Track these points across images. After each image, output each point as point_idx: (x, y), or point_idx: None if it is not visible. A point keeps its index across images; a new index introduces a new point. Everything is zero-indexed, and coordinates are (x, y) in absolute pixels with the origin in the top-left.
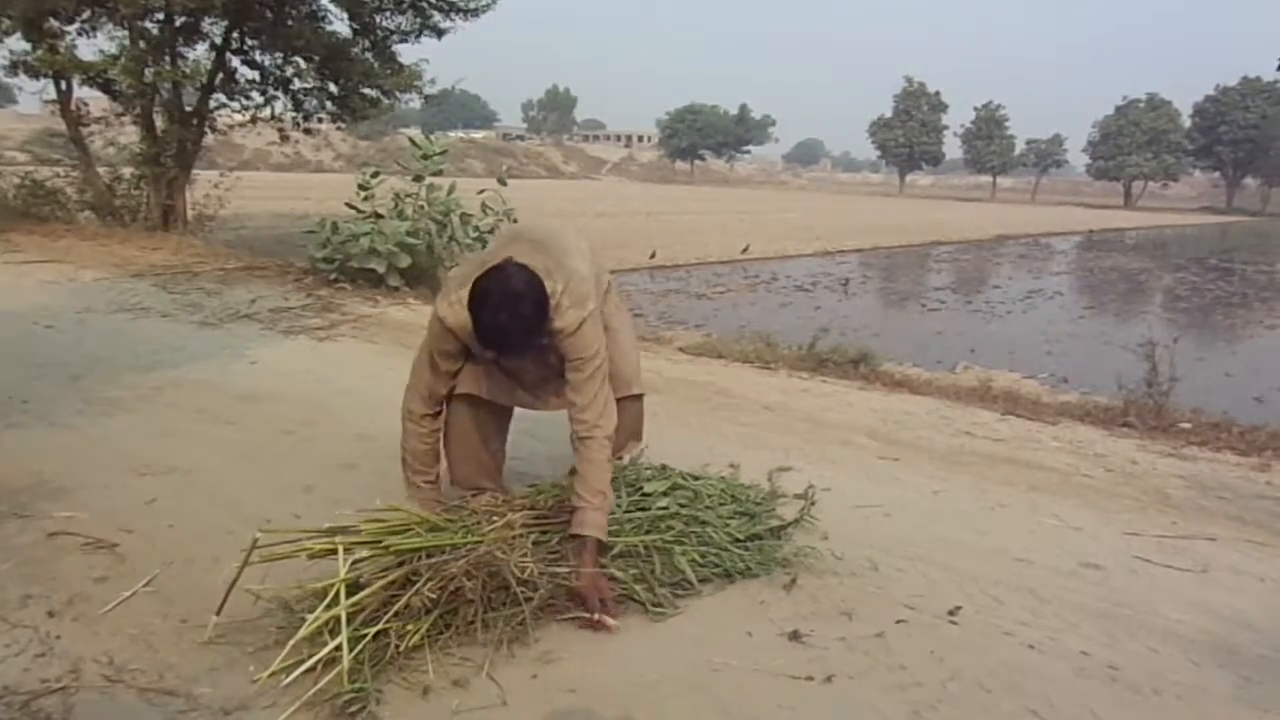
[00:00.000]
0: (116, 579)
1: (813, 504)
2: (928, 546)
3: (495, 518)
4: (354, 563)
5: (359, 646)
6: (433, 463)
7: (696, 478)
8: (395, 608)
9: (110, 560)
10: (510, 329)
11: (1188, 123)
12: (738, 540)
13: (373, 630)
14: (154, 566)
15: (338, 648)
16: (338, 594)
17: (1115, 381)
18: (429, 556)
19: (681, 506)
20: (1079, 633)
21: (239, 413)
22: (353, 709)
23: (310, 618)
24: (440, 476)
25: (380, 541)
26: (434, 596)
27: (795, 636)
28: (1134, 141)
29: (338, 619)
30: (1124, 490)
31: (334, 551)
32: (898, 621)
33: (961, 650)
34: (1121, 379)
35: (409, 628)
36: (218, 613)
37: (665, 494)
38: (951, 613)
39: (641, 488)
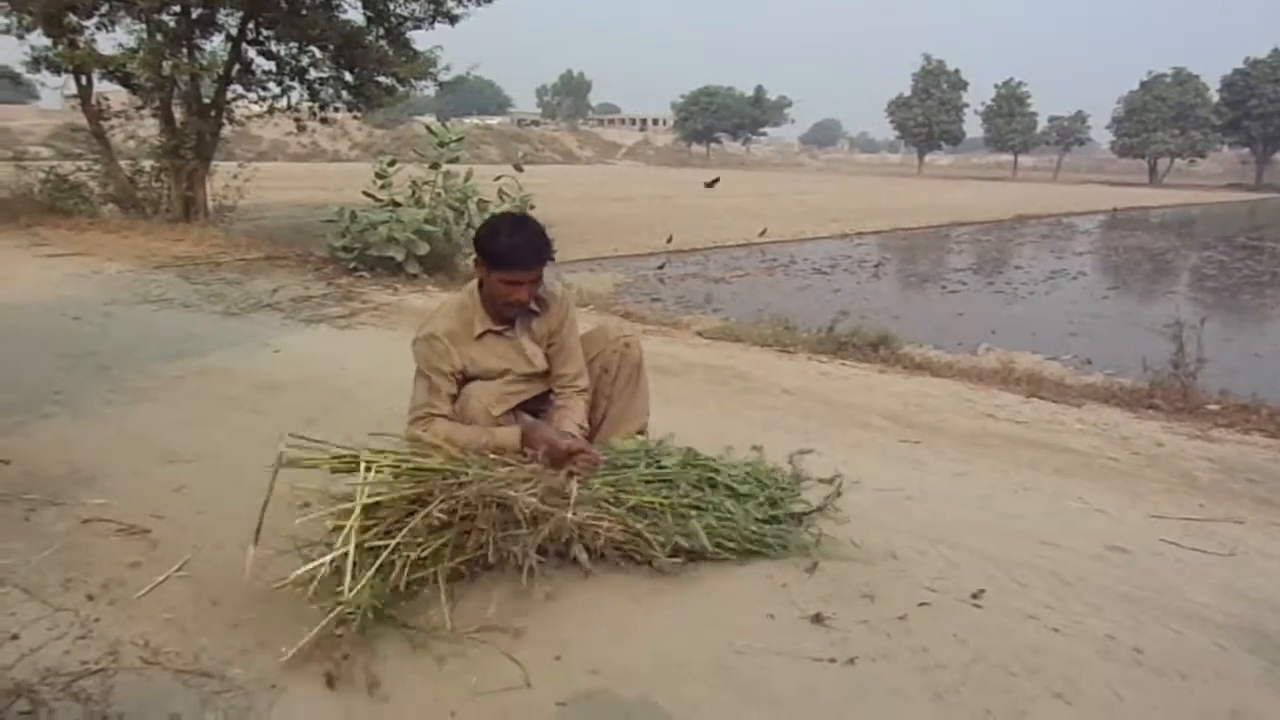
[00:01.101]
0: (149, 564)
1: (839, 494)
2: (950, 529)
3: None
4: (374, 484)
5: (376, 565)
6: (463, 428)
7: (717, 461)
8: (411, 524)
9: (143, 546)
10: (528, 239)
11: (1215, 97)
12: (760, 522)
13: (390, 544)
14: (185, 552)
15: (345, 558)
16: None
17: (1141, 363)
18: (444, 479)
19: (705, 488)
20: (1103, 616)
21: (263, 401)
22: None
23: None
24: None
25: (400, 463)
26: (444, 518)
27: (817, 619)
28: (1160, 117)
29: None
30: (1150, 473)
31: (356, 468)
32: (920, 604)
33: (984, 633)
34: (1147, 360)
35: (421, 541)
36: (254, 543)
37: (691, 480)
38: (974, 596)
39: (666, 471)
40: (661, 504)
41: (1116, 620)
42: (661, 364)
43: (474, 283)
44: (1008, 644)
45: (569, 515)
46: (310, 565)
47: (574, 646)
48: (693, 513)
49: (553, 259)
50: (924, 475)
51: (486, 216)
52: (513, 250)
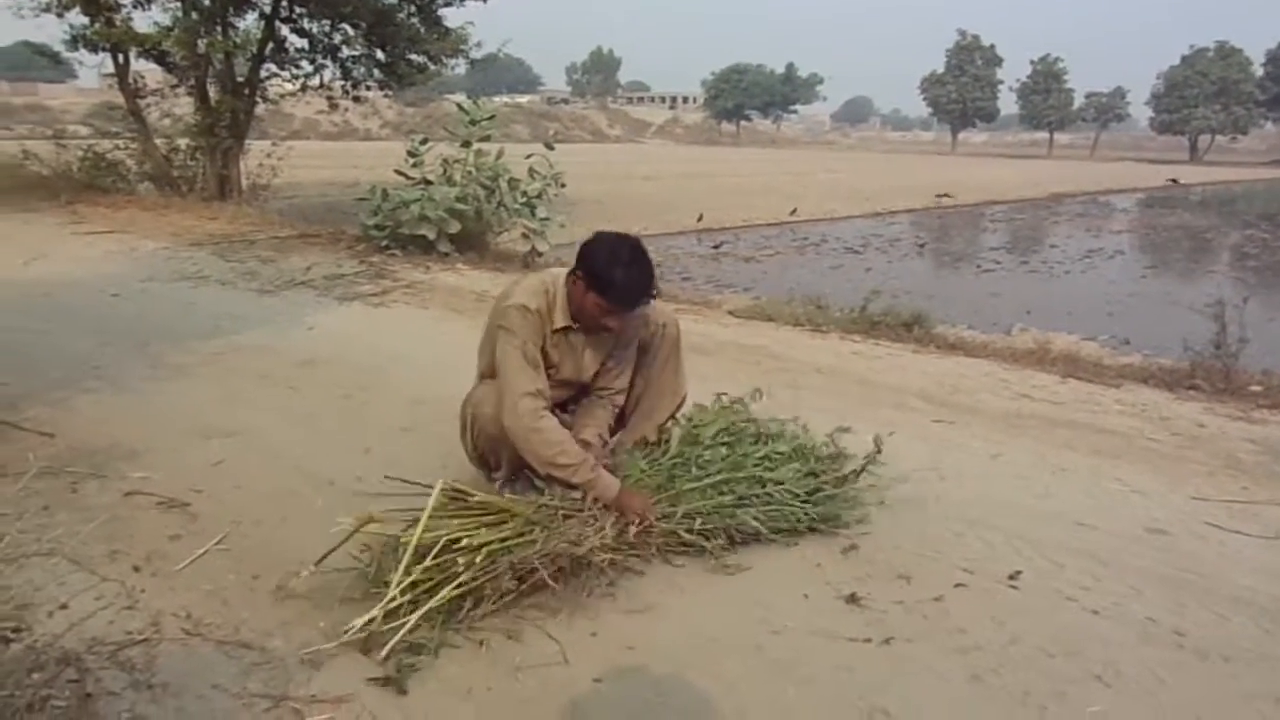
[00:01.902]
0: (190, 537)
1: (879, 451)
2: (986, 510)
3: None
4: (442, 546)
5: (423, 606)
6: (573, 442)
7: (764, 447)
8: (472, 585)
9: (183, 519)
10: (639, 281)
11: (1260, 71)
12: (798, 496)
13: (445, 594)
14: (224, 525)
15: (410, 607)
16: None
17: (1180, 343)
18: (508, 552)
19: (751, 463)
20: (1144, 598)
21: (298, 377)
22: (408, 663)
23: (394, 576)
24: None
25: (472, 540)
26: (514, 586)
27: (853, 599)
28: (1201, 93)
29: (414, 584)
30: (1191, 454)
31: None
32: (956, 585)
33: (1022, 615)
34: (1187, 340)
35: (486, 593)
36: (317, 564)
37: (740, 480)
38: (1011, 577)
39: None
40: (712, 510)
41: (1157, 603)
42: (693, 343)
43: (561, 272)
44: (1046, 626)
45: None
46: (365, 618)
47: (610, 625)
48: (738, 511)
49: (656, 297)
50: (959, 456)
51: (522, 192)
52: (626, 288)
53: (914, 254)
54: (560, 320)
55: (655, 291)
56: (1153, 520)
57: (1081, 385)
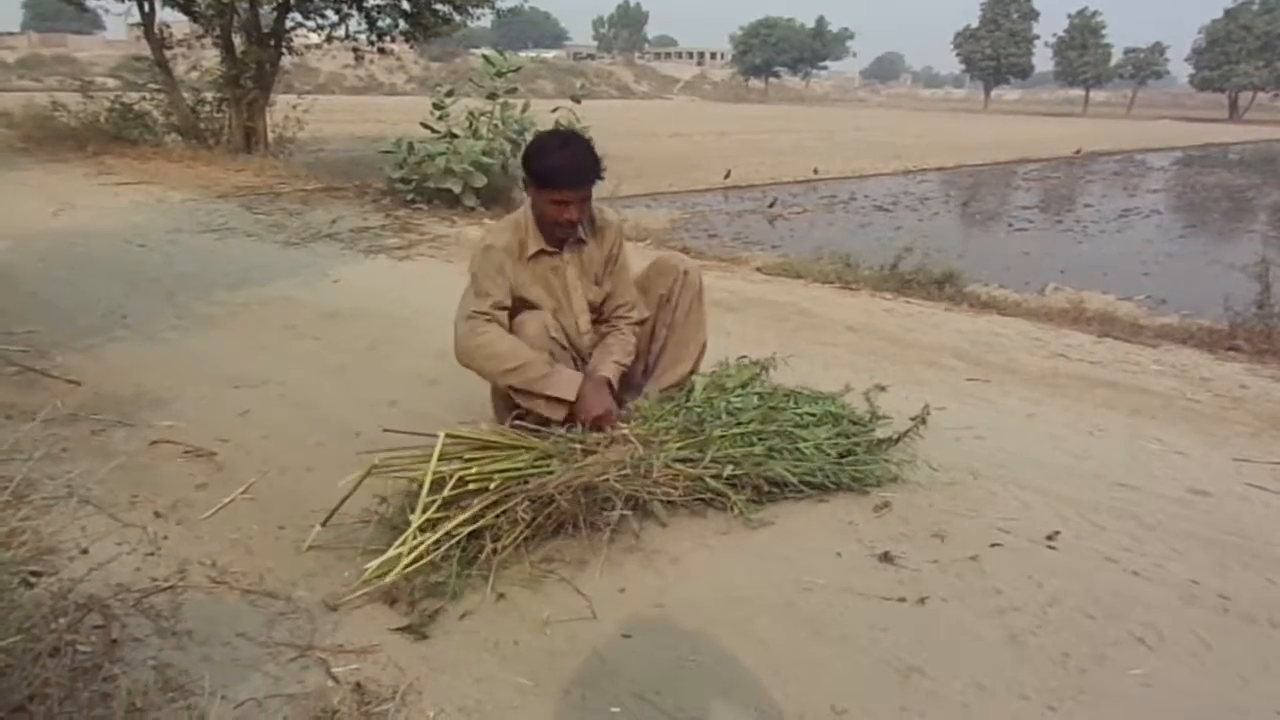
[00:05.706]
0: (215, 485)
1: (924, 422)
2: (1022, 470)
3: (601, 445)
4: (456, 481)
5: (440, 545)
6: (525, 346)
7: (793, 404)
8: (489, 517)
9: (209, 468)
10: (575, 158)
11: None
12: (829, 457)
13: (464, 530)
14: (250, 475)
15: (431, 547)
16: (434, 503)
17: (1220, 303)
18: (526, 483)
19: (782, 418)
20: (1187, 561)
21: (324, 329)
22: (428, 605)
23: (414, 518)
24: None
25: (484, 470)
26: (528, 518)
27: (886, 558)
28: (1245, 48)
29: (431, 524)
30: (1233, 415)
31: (442, 482)
32: (992, 545)
33: (1061, 575)
34: (1228, 301)
35: (504, 528)
36: (323, 524)
37: (771, 431)
38: (1049, 537)
39: (745, 428)
40: (741, 457)
41: (1200, 565)
42: (720, 299)
43: (528, 203)
44: (1086, 587)
45: (654, 491)
46: (381, 559)
47: (638, 580)
48: (769, 461)
49: (601, 177)
50: (994, 414)
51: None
52: (560, 169)
53: (945, 212)
54: (533, 246)
55: (599, 172)
56: (1194, 481)
57: (1118, 345)
